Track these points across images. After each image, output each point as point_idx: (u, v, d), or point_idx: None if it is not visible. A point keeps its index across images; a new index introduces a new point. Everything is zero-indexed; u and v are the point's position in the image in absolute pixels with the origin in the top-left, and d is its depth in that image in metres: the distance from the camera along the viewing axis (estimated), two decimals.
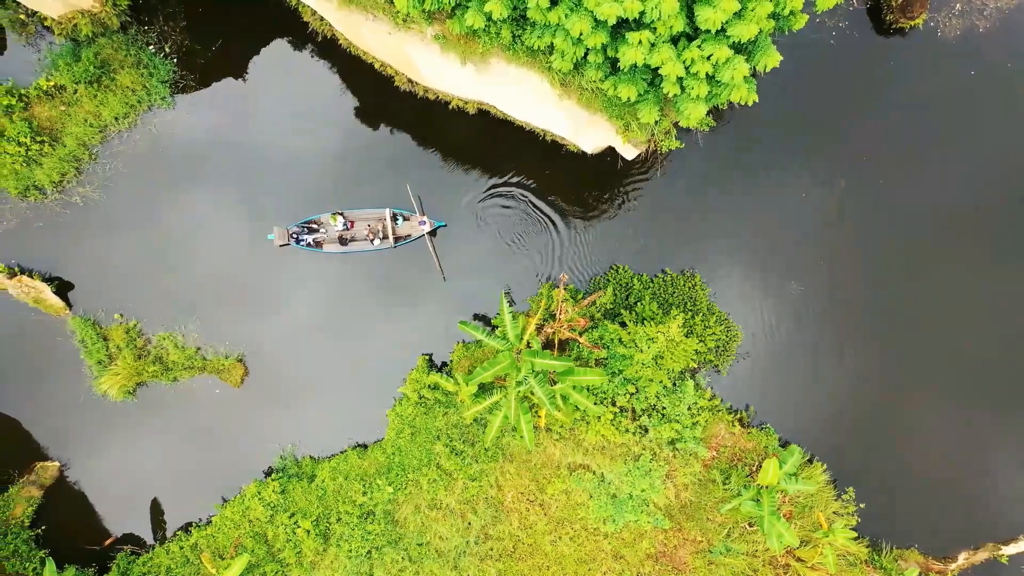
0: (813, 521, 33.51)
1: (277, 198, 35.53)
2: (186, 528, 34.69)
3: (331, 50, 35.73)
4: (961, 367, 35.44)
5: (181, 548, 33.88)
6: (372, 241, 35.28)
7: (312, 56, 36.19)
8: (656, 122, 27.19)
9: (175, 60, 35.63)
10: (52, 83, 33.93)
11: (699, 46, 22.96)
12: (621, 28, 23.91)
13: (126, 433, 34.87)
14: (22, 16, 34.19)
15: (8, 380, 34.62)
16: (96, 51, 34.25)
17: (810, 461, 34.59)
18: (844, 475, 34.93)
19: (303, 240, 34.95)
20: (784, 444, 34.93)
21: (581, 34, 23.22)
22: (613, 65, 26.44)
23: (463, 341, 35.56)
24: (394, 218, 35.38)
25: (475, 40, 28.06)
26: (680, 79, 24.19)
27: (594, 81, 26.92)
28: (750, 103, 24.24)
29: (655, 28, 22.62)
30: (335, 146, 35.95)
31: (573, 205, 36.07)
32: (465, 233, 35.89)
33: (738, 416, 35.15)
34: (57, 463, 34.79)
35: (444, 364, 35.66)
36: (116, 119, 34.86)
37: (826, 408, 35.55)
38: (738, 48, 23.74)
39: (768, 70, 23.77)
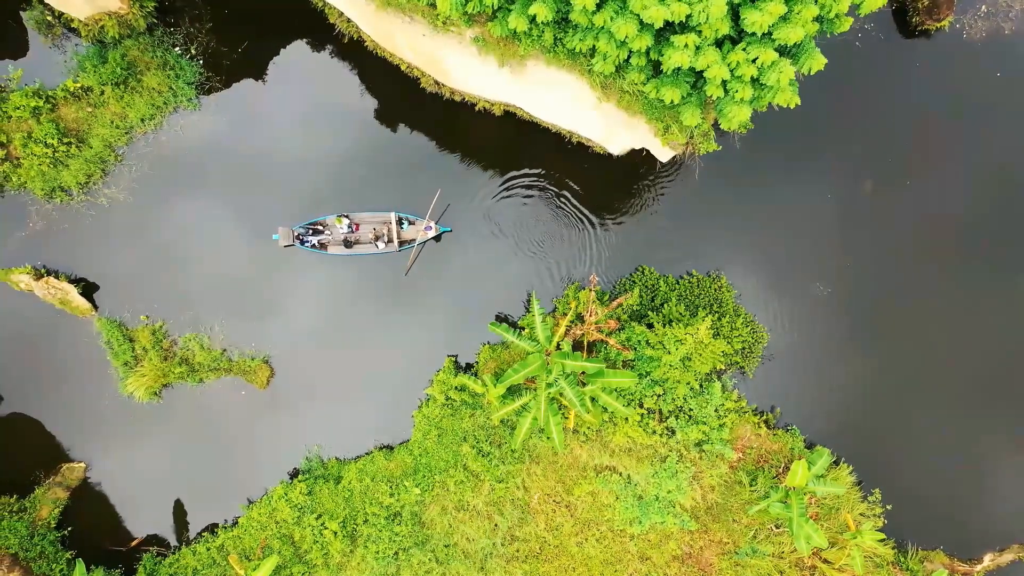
0: (840, 523, 33.55)
1: (296, 199, 35.39)
2: (212, 529, 34.60)
3: (357, 52, 35.59)
4: (986, 369, 35.51)
5: (208, 549, 33.80)
6: (376, 244, 35.19)
7: (337, 57, 36.07)
8: (696, 124, 27.19)
9: (201, 62, 35.54)
10: (79, 85, 33.83)
11: (744, 49, 22.96)
12: (665, 31, 23.91)
13: (151, 434, 34.74)
14: (49, 17, 34.06)
15: (34, 381, 34.44)
16: (122, 53, 34.14)
17: (836, 463, 34.64)
18: (869, 476, 34.96)
19: (308, 242, 34.82)
20: (810, 446, 34.97)
21: (626, 37, 23.19)
22: (655, 67, 26.44)
23: (488, 342, 35.53)
24: (399, 222, 35.27)
25: (515, 43, 27.98)
26: (724, 82, 24.20)
27: (636, 84, 26.91)
28: (792, 106, 24.29)
29: (701, 31, 22.63)
30: (358, 148, 35.81)
31: (598, 207, 36.02)
32: (484, 234, 35.80)
33: (764, 418, 35.16)
34: (83, 464, 34.65)
35: (469, 366, 35.63)
36: (142, 120, 34.75)
37: (852, 409, 35.57)
38: (782, 51, 23.74)
39: (813, 73, 23.79)
